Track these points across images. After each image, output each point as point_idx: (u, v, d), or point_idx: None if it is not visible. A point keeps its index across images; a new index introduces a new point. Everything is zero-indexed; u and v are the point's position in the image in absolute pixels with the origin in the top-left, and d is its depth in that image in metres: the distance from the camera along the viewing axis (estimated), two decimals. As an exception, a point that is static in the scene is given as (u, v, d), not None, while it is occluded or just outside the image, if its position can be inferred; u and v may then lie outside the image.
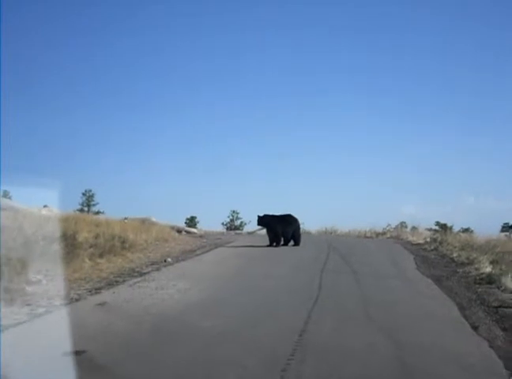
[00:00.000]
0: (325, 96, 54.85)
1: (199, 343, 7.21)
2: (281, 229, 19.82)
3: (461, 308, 9.72)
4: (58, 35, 50.04)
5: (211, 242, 21.46)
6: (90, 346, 6.71)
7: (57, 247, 13.89)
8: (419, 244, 22.08)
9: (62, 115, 52.38)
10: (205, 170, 54.95)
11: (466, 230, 37.03)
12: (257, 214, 20.56)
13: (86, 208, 54.78)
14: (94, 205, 54.61)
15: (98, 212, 53.59)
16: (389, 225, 38.51)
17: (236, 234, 31.40)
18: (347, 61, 53.85)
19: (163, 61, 53.54)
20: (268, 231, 20.24)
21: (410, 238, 24.37)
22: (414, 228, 32.17)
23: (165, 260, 15.37)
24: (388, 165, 54.54)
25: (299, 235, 20.35)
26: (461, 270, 14.26)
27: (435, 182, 52.79)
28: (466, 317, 9.01)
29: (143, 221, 28.78)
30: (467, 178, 53.53)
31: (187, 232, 32.75)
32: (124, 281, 12.07)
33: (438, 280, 12.66)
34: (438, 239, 21.01)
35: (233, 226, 48.99)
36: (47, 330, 7.77)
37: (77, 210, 49.26)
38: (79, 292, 10.77)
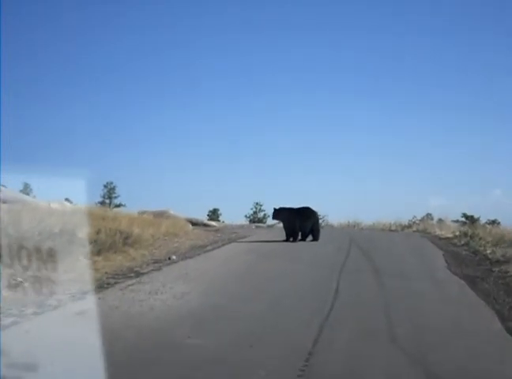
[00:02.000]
0: (350, 88, 53.13)
1: (179, 370, 5.69)
2: (299, 223, 18.21)
3: (503, 318, 8.09)
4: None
5: (225, 237, 20.00)
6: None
7: (51, 244, 12.59)
8: (447, 238, 20.34)
9: (82, 105, 51.33)
10: (229, 162, 53.84)
11: (493, 223, 35.45)
12: (278, 206, 19.03)
13: (108, 201, 53.88)
14: (115, 198, 53.72)
15: (119, 205, 52.62)
16: (414, 217, 37.05)
17: (256, 227, 30.04)
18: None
19: (184, 52, 52.00)
20: (284, 225, 18.65)
21: (438, 232, 22.64)
22: (440, 220, 30.92)
23: (169, 258, 13.91)
24: (414, 157, 52.76)
25: (317, 229, 18.72)
26: (496, 269, 12.54)
27: (462, 174, 50.98)
28: (511, 331, 7.38)
29: (161, 214, 27.62)
30: (494, 170, 51.67)
31: (205, 225, 31.55)
32: (116, 283, 10.62)
33: (472, 282, 11.01)
34: (469, 233, 19.19)
35: (256, 218, 47.67)
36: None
37: (99, 203, 48.43)
38: (61, 298, 9.29)
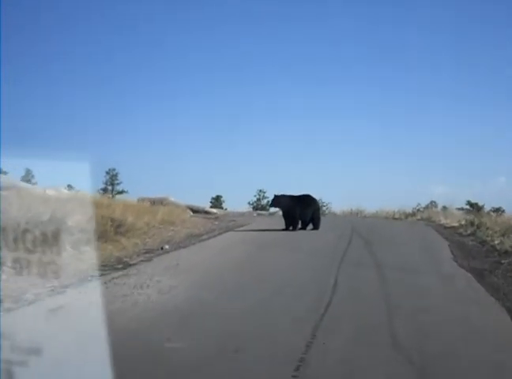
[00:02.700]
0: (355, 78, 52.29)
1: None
2: (299, 211, 17.48)
3: (515, 318, 7.36)
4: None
5: (223, 225, 19.34)
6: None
7: (37, 233, 11.90)
8: (453, 227, 19.59)
9: (84, 92, 50.64)
10: (233, 149, 53.29)
11: (497, 210, 34.81)
12: (280, 194, 18.29)
13: (110, 187, 53.30)
14: (118, 184, 53.12)
15: (121, 192, 52.09)
16: (419, 205, 36.37)
17: (258, 214, 29.38)
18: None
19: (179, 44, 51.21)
20: (284, 213, 17.91)
21: (443, 221, 21.89)
22: (445, 208, 30.31)
23: (162, 248, 13.23)
24: (418, 144, 51.98)
25: (318, 218, 17.98)
26: (505, 261, 11.76)
27: (466, 162, 50.21)
28: (525, 333, 6.67)
29: (160, 201, 26.98)
30: (498, 157, 50.87)
31: (206, 213, 30.93)
32: (102, 275, 9.93)
33: (480, 275, 10.28)
34: (475, 222, 18.40)
35: (259, 205, 47.03)
36: None
37: (101, 189, 47.83)
38: (39, 291, 8.59)
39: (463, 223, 19.76)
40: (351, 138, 54.14)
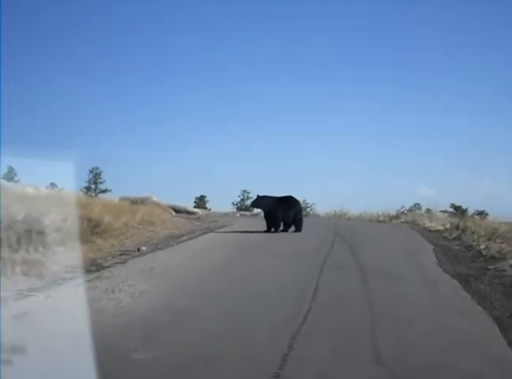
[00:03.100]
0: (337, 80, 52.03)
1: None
2: (281, 212, 17.02)
3: (504, 329, 6.95)
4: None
5: (204, 226, 18.86)
6: None
7: (9, 232, 11.43)
8: (438, 231, 19.23)
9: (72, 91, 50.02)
10: (218, 149, 53.01)
11: (481, 214, 34.74)
12: (264, 194, 17.84)
13: (93, 186, 52.68)
14: (101, 183, 52.51)
15: (105, 191, 51.52)
16: (403, 207, 36.18)
17: (241, 215, 28.98)
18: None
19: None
20: (266, 215, 17.44)
21: (427, 224, 21.53)
22: (429, 210, 30.14)
23: (138, 250, 12.74)
24: (402, 146, 51.88)
25: (300, 220, 17.53)
26: (492, 267, 11.40)
27: (451, 164, 50.19)
28: (514, 346, 6.27)
29: (142, 201, 26.50)
30: (483, 160, 50.91)
31: (188, 213, 30.48)
32: (72, 278, 9.46)
33: (466, 282, 9.90)
34: (461, 226, 18.05)
35: (243, 206, 46.66)
36: None
37: (84, 188, 47.21)
38: (6, 295, 8.12)
39: (448, 226, 19.43)
40: (337, 138, 53.85)
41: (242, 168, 53.05)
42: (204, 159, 53.98)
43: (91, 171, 50.48)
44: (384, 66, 51.87)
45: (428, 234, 18.49)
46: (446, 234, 17.93)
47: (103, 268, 10.58)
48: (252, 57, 53.22)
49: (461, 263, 12.05)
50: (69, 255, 11.50)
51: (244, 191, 46.08)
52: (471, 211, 37.99)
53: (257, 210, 24.93)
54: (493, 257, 12.39)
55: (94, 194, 48.41)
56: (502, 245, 13.32)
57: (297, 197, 17.98)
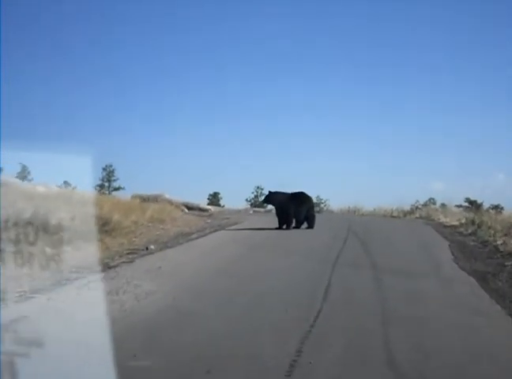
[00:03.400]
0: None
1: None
2: (293, 209, 16.65)
3: (524, 330, 6.59)
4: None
5: (216, 223, 18.56)
6: None
7: (16, 231, 11.19)
8: (453, 226, 18.80)
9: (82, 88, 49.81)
10: (232, 146, 52.59)
11: (496, 208, 34.20)
12: (276, 190, 17.48)
13: (107, 184, 52.57)
14: (114, 181, 52.37)
15: (118, 188, 51.33)
16: (417, 202, 35.69)
17: (254, 212, 28.61)
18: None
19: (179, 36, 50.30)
20: (277, 211, 17.08)
21: (442, 219, 21.12)
22: (443, 205, 29.71)
23: (147, 248, 12.45)
24: (416, 140, 51.22)
25: (313, 216, 17.16)
26: (509, 264, 10.99)
27: (465, 158, 49.47)
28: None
29: (155, 198, 26.29)
30: (497, 154, 50.15)
31: (201, 210, 30.21)
32: (77, 279, 9.16)
33: (483, 279, 9.51)
34: (476, 221, 17.59)
35: (257, 202, 46.22)
36: None
37: (98, 186, 47.13)
38: (8, 297, 7.85)
39: (463, 221, 18.98)
40: (350, 135, 53.26)
41: (256, 164, 52.53)
42: (218, 155, 53.49)
43: (104, 169, 50.27)
44: (394, 66, 51.06)
45: (443, 229, 18.09)
46: (461, 229, 17.51)
47: (110, 267, 10.30)
48: (267, 53, 52.65)
49: (478, 259, 11.66)
50: (75, 254, 11.25)
51: (258, 187, 45.56)
52: (486, 205, 37.47)
53: (270, 206, 24.56)
54: (510, 254, 11.97)
55: (108, 192, 48.27)
56: (520, 241, 12.87)
57: (310, 193, 17.66)
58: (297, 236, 15.32)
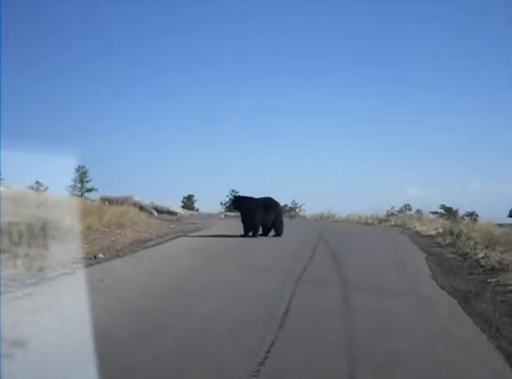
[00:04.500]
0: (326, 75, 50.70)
1: None
2: (260, 215, 15.39)
3: (517, 369, 5.37)
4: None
5: (180, 228, 17.31)
6: None
7: None
8: (430, 235, 17.68)
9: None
10: (207, 148, 51.79)
11: (471, 215, 33.81)
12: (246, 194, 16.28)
13: (79, 185, 51.18)
14: (87, 182, 51.03)
15: (91, 189, 49.96)
16: (393, 208, 34.93)
17: (225, 216, 27.39)
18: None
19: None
20: (243, 218, 15.79)
21: (418, 227, 19.99)
22: (419, 211, 29.13)
23: (95, 257, 11.14)
24: (392, 145, 50.65)
25: (281, 223, 15.93)
26: (493, 280, 9.86)
27: (440, 165, 49.07)
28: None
29: (124, 200, 25.12)
30: (472, 161, 49.84)
31: (170, 213, 29.18)
32: (4, 293, 7.82)
33: (464, 300, 8.33)
34: (455, 232, 16.46)
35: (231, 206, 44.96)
36: None
37: (70, 186, 45.65)
38: None
39: (441, 230, 17.87)
40: (326, 138, 52.57)
41: (232, 167, 51.60)
42: (194, 157, 52.51)
43: (77, 170, 48.93)
44: (376, 65, 50.37)
45: (420, 239, 16.97)
46: (439, 239, 16.39)
47: (45, 279, 8.96)
48: (236, 56, 51.68)
49: (458, 275, 10.46)
50: (8, 264, 9.93)
51: (233, 191, 44.22)
52: (461, 212, 37.07)
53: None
54: (493, 268, 10.83)
55: (80, 193, 46.88)
56: (503, 255, 11.70)
57: (284, 198, 16.53)
58: (262, 245, 14.07)
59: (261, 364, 5.17)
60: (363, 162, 51.44)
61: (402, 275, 10.31)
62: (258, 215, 15.32)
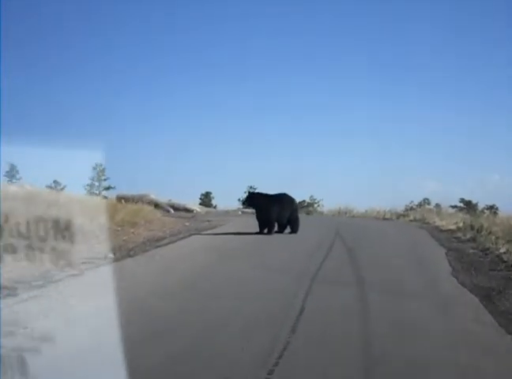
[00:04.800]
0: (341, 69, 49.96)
1: None
2: (275, 212, 15.02)
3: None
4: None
5: (194, 226, 16.98)
6: None
7: None
8: (449, 230, 17.20)
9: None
10: (224, 145, 51.22)
11: (491, 208, 33.15)
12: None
13: (97, 183, 51.10)
14: (105, 180, 50.91)
15: (108, 188, 49.81)
16: (412, 202, 34.41)
17: (243, 212, 27.07)
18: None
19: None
20: (258, 214, 15.41)
21: (438, 222, 19.50)
22: (438, 205, 28.60)
23: (105, 257, 10.82)
24: (409, 139, 49.77)
25: (296, 219, 15.53)
26: (517, 277, 9.44)
27: (459, 159, 48.09)
28: None
29: (140, 198, 24.94)
30: (492, 154, 48.77)
31: (187, 210, 28.95)
32: (8, 296, 7.60)
33: (487, 298, 7.92)
34: (476, 226, 15.96)
35: (248, 202, 44.47)
36: None
37: (88, 185, 45.65)
38: None
39: (460, 225, 17.38)
40: (343, 134, 51.75)
41: (250, 164, 51.08)
42: (212, 154, 51.99)
43: (94, 168, 48.74)
44: (393, 65, 49.46)
45: (439, 234, 16.50)
46: (459, 234, 15.90)
47: (52, 282, 8.67)
48: (258, 53, 51.06)
49: (479, 272, 10.03)
50: (17, 265, 9.64)
51: (251, 187, 43.82)
52: (481, 205, 36.38)
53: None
54: (516, 264, 10.40)
55: (97, 192, 46.76)
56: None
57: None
58: (277, 242, 13.72)
59: (271, 372, 4.82)
60: (380, 157, 50.56)
61: (422, 273, 9.92)
62: (273, 212, 14.95)
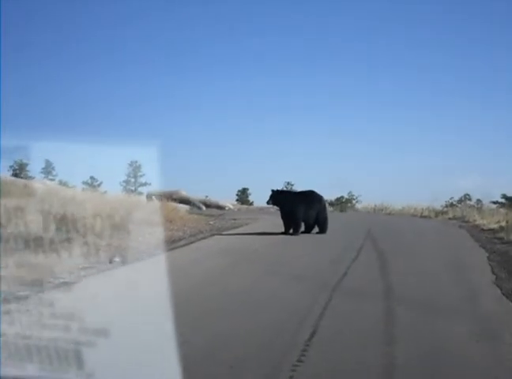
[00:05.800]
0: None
1: None
2: (301, 211, 13.89)
3: None
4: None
5: (219, 225, 16.07)
6: None
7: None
8: (491, 230, 15.83)
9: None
10: (261, 141, 50.71)
11: None
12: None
13: (133, 180, 50.87)
14: (141, 177, 50.57)
15: (145, 184, 49.41)
16: (452, 198, 33.21)
17: (277, 210, 26.26)
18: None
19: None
20: (283, 213, 14.33)
21: (478, 221, 18.12)
22: (479, 201, 27.47)
23: (111, 261, 9.92)
24: (447, 135, 48.33)
25: (325, 219, 14.41)
26: None
27: (498, 153, 46.40)
28: None
29: (171, 195, 24.28)
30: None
31: (219, 207, 28.30)
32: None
33: (537, 315, 6.67)
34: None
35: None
36: None
37: (123, 181, 45.37)
38: None
39: (503, 224, 15.96)
40: (384, 130, 50.68)
41: (288, 160, 50.41)
42: (248, 149, 51.41)
43: (130, 165, 48.37)
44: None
45: (480, 234, 15.18)
46: (501, 234, 14.50)
47: (46, 289, 7.77)
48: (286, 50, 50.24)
49: (527, 280, 8.75)
50: (21, 268, 8.82)
51: (288, 183, 42.69)
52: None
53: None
54: None
55: (133, 188, 46.38)
56: None
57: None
58: (301, 244, 12.63)
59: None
60: (420, 151, 49.30)
61: (460, 282, 8.67)
62: (300, 211, 13.85)
